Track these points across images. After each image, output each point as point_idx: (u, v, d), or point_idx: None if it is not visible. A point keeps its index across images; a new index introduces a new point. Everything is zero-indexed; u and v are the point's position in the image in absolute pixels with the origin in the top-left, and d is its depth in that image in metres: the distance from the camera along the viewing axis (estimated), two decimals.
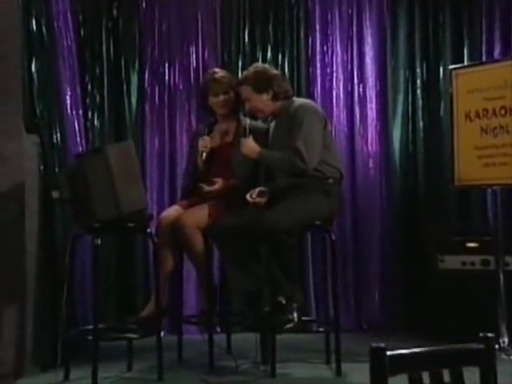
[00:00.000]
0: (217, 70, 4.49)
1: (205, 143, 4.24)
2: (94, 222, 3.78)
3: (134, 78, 5.12)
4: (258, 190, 4.03)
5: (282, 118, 4.10)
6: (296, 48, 5.16)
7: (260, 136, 4.16)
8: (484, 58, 4.93)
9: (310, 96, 5.03)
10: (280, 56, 5.16)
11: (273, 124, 4.26)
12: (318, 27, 5.18)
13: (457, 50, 5.01)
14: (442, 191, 4.95)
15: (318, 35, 5.17)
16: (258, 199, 3.98)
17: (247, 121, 4.17)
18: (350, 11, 5.17)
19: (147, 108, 5.13)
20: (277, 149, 4.05)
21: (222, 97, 4.25)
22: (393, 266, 5.03)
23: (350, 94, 5.15)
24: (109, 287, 4.79)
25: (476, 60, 4.90)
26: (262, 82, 4.05)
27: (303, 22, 5.15)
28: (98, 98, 5.05)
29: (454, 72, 4.58)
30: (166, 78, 5.16)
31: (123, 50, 5.10)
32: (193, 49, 5.17)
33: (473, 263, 4.56)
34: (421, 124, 5.07)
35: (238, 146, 4.13)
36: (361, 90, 5.15)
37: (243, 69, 5.07)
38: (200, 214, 4.09)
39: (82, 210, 3.82)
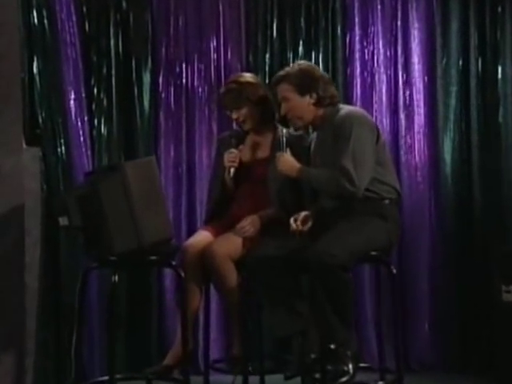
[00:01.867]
0: (235, 77, 3.85)
1: (232, 157, 3.61)
2: (111, 254, 3.15)
3: (147, 80, 4.45)
4: (303, 214, 3.40)
5: (325, 128, 3.48)
6: (332, 45, 4.49)
7: (301, 150, 3.54)
8: None
9: (348, 101, 4.38)
10: (313, 54, 4.50)
11: (314, 136, 3.63)
12: (357, 20, 4.51)
13: None
14: (503, 209, 4.32)
15: (357, 30, 4.51)
16: (301, 226, 3.37)
17: (284, 131, 3.53)
18: (393, 2, 4.53)
19: (161, 114, 4.47)
20: (319, 166, 3.44)
21: (234, 114, 3.66)
22: (446, 298, 4.39)
23: (394, 98, 4.51)
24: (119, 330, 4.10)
25: None
26: (306, 83, 3.45)
27: (340, 14, 4.49)
28: (105, 103, 4.40)
29: None
30: (183, 79, 4.49)
31: (134, 47, 4.43)
32: (213, 45, 4.51)
33: None
34: (476, 131, 4.43)
35: (274, 163, 3.52)
36: (407, 92, 4.50)
37: (271, 68, 4.48)
38: (233, 243, 3.47)
39: (95, 240, 3.20)
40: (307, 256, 3.17)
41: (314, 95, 3.45)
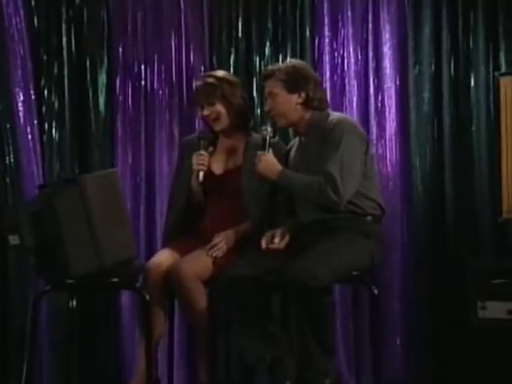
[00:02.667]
0: (213, 71, 3.61)
1: (202, 160, 3.31)
2: (68, 277, 2.84)
3: (102, 81, 4.18)
4: (279, 232, 3.14)
5: (311, 133, 3.24)
6: (300, 47, 4.22)
7: (277, 158, 3.27)
8: None
9: None
10: (281, 56, 4.24)
11: (295, 142, 3.37)
12: (326, 22, 4.25)
13: (494, 52, 4.17)
14: (477, 220, 4.13)
15: (326, 32, 4.25)
16: (278, 244, 3.11)
17: (268, 129, 3.26)
18: (364, 4, 4.28)
19: (118, 118, 4.18)
20: (302, 173, 3.19)
21: (206, 110, 3.36)
22: (418, 313, 4.17)
23: (364, 104, 4.27)
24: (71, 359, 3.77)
25: None
26: (296, 80, 3.23)
27: (308, 16, 4.22)
28: (56, 105, 4.14)
29: (501, 79, 3.80)
30: (142, 80, 4.21)
31: (88, 44, 4.16)
32: (175, 45, 4.23)
33: None
34: (449, 140, 4.23)
35: (249, 171, 3.25)
36: (378, 98, 4.27)
37: (236, 71, 4.19)
38: (203, 262, 3.18)
39: (50, 260, 2.88)
40: (286, 277, 2.93)
41: (303, 94, 3.23)
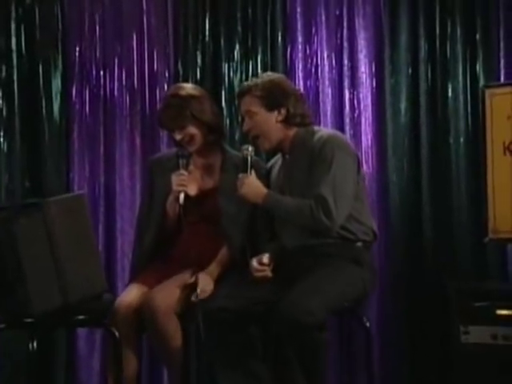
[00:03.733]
0: (174, 89, 3.20)
1: (182, 180, 3.00)
2: (27, 315, 2.51)
3: (57, 86, 3.92)
4: (266, 256, 2.88)
5: (296, 152, 2.97)
6: (270, 53, 3.97)
7: (260, 176, 3.00)
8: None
9: None
10: (251, 62, 3.96)
11: (276, 160, 3.10)
12: (299, 27, 4.02)
13: (472, 61, 3.98)
14: (459, 239, 3.92)
15: (299, 37, 4.01)
16: (267, 267, 2.85)
17: (250, 149, 2.97)
18: (337, 11, 4.04)
19: (75, 127, 3.92)
20: (287, 195, 2.94)
21: (178, 134, 3.07)
22: (396, 339, 3.95)
23: (339, 115, 4.01)
24: None
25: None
26: (275, 96, 2.94)
27: (280, 21, 3.97)
28: (5, 112, 3.89)
29: (487, 91, 3.59)
30: (101, 86, 3.94)
31: (40, 46, 3.89)
32: (136, 48, 3.95)
33: (506, 337, 3.60)
34: (427, 152, 4.00)
35: (227, 192, 2.99)
36: (354, 109, 4.02)
37: (202, 78, 3.93)
38: (176, 293, 2.87)
39: (6, 296, 2.54)
40: (275, 310, 2.65)
41: (283, 111, 2.95)
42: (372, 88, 4.04)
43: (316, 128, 3.05)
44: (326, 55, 4.03)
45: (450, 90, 3.99)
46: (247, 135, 3.03)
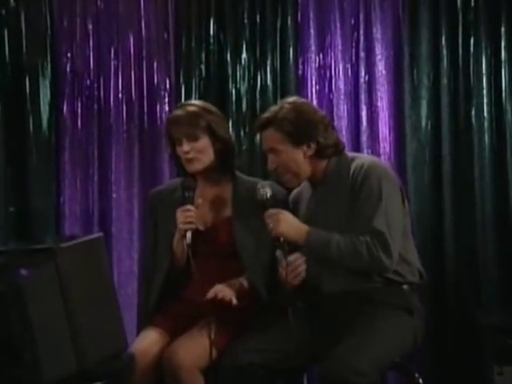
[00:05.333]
0: (190, 101, 2.97)
1: (188, 217, 2.59)
2: (39, 383, 2.11)
3: (45, 95, 3.52)
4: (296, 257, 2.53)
5: (330, 183, 2.61)
6: (280, 63, 3.64)
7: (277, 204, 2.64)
8: None
9: None
10: (259, 74, 3.61)
11: (303, 192, 2.74)
12: (312, 31, 3.67)
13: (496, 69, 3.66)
14: (483, 271, 3.63)
15: (312, 41, 3.67)
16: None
17: (267, 191, 2.56)
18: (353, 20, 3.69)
19: (67, 141, 3.51)
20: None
21: (186, 145, 2.65)
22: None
23: (355, 133, 3.69)
24: None
25: None
26: (301, 129, 2.55)
27: (292, 29, 3.64)
28: None
29: None
30: (95, 96, 3.54)
31: (27, 53, 3.50)
32: (133, 53, 3.56)
33: None
34: (448, 175, 3.69)
35: (242, 223, 2.65)
36: (371, 126, 3.68)
37: (207, 83, 3.59)
38: (200, 346, 2.49)
39: (13, 362, 2.13)
40: (323, 370, 2.30)
41: (313, 145, 2.57)
42: (390, 102, 3.73)
43: (350, 154, 2.69)
44: (341, 66, 3.71)
45: (473, 103, 3.72)
46: (274, 173, 2.64)
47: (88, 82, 3.54)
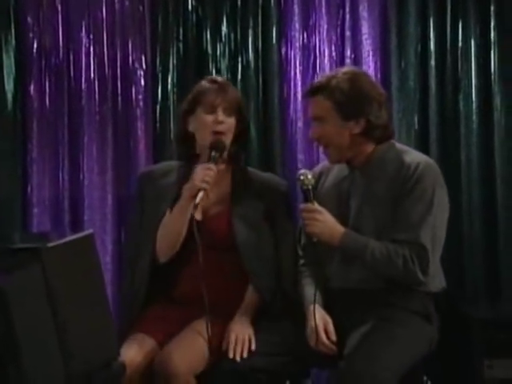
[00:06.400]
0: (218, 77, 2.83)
1: (208, 175, 2.40)
2: None
3: (10, 68, 3.20)
4: (331, 324, 2.36)
5: (373, 171, 2.42)
6: (262, 44, 3.42)
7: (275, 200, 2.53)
8: None
9: (283, 117, 3.36)
10: (243, 48, 3.39)
11: (331, 170, 2.54)
12: (296, 9, 3.44)
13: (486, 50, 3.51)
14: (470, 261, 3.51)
15: (296, 19, 3.45)
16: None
17: (309, 177, 2.41)
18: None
19: (34, 122, 3.21)
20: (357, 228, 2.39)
21: (221, 116, 2.49)
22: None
23: None
24: None
25: None
26: (355, 103, 2.37)
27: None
28: None
29: None
30: (65, 71, 3.25)
31: None
32: (105, 24, 3.28)
33: None
34: (435, 145, 3.50)
35: (241, 216, 2.47)
36: None
37: (185, 61, 3.35)
38: (196, 350, 2.31)
39: None
40: (342, 379, 2.14)
41: (363, 122, 2.38)
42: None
43: (400, 146, 2.51)
44: (326, 46, 3.52)
45: (461, 86, 3.57)
46: (314, 141, 2.51)
47: (57, 59, 3.24)
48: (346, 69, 2.54)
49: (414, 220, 2.29)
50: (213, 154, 2.45)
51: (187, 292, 2.45)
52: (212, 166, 2.42)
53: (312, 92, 2.44)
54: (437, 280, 2.44)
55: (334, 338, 2.29)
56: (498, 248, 3.48)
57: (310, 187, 2.37)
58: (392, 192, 2.34)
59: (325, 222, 2.34)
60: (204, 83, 2.58)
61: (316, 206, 2.36)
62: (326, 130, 2.40)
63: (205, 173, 2.39)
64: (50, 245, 1.90)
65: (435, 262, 2.35)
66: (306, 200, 2.37)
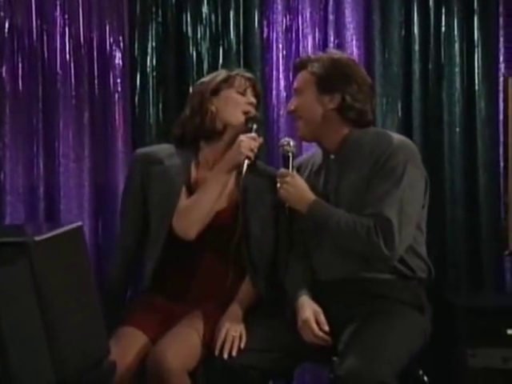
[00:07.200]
0: None
1: (254, 146, 2.41)
2: None
3: None
4: (322, 315, 2.28)
5: (347, 154, 2.37)
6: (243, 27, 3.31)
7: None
8: None
9: (265, 101, 3.24)
10: (223, 32, 3.28)
11: (310, 160, 2.50)
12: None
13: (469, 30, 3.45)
14: (457, 251, 3.46)
15: (279, 1, 3.35)
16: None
17: (291, 144, 2.42)
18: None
19: (6, 112, 3.05)
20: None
21: (252, 98, 2.52)
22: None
23: None
24: None
25: None
26: (332, 77, 2.37)
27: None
28: None
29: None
30: (38, 54, 3.09)
31: None
32: (82, 4, 3.13)
33: None
34: (418, 132, 3.44)
35: (249, 208, 2.42)
36: None
37: (164, 43, 3.23)
38: (190, 345, 2.22)
39: None
40: (341, 378, 2.05)
41: (337, 99, 2.35)
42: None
43: (377, 129, 2.50)
44: (309, 30, 3.43)
45: (444, 72, 3.52)
46: (290, 114, 2.48)
47: (30, 39, 3.07)
48: (337, 51, 2.60)
49: (380, 194, 2.24)
50: (254, 126, 2.46)
51: (179, 285, 2.37)
52: (256, 136, 2.43)
53: (298, 66, 2.46)
54: (423, 263, 2.39)
55: (326, 328, 2.22)
56: (481, 236, 3.45)
57: (290, 154, 2.39)
58: (366, 171, 2.30)
59: (295, 186, 2.33)
60: (229, 70, 2.60)
61: (295, 173, 2.37)
62: (302, 101, 2.40)
63: (251, 142, 2.38)
64: (38, 239, 1.78)
65: (404, 240, 2.26)
66: (285, 167, 2.38)
